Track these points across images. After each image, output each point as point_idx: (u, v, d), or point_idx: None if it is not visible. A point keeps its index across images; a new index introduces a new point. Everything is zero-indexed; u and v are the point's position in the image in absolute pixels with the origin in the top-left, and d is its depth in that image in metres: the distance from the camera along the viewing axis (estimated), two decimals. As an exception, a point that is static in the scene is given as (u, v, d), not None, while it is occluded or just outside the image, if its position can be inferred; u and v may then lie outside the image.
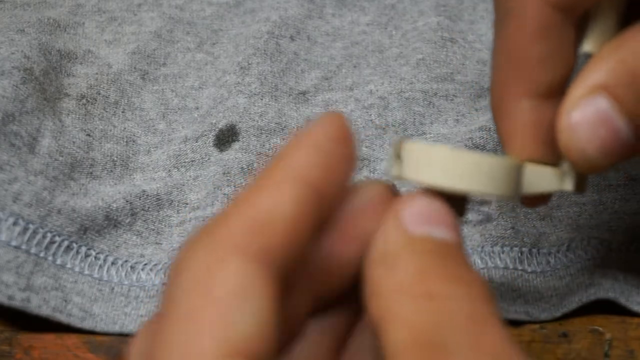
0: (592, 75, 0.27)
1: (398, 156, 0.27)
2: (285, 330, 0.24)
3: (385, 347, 0.22)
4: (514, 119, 0.30)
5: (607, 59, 0.27)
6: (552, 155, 0.30)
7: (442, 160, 0.26)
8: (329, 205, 0.24)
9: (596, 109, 0.27)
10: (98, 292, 0.37)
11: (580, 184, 0.30)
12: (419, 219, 0.24)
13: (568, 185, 0.30)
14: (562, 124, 0.27)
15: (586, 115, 0.27)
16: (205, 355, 0.20)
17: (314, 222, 0.23)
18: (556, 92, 0.29)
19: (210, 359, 0.20)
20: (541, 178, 0.30)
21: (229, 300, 0.20)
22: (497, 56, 0.30)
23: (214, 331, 0.20)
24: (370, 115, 0.44)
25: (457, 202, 0.27)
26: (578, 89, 0.27)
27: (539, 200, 0.32)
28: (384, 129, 0.43)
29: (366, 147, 0.42)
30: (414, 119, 0.43)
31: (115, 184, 0.41)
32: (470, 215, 0.38)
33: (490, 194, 0.26)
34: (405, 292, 0.22)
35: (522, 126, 0.30)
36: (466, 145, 0.41)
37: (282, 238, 0.22)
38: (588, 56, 0.30)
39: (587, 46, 0.30)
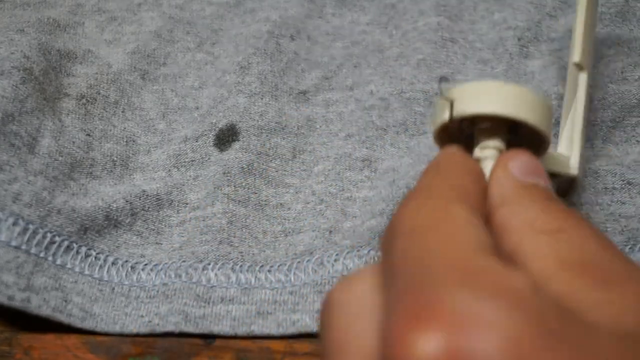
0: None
1: (447, 101, 0.31)
2: None
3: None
4: None
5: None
6: None
7: (497, 91, 0.30)
8: None
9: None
10: (98, 292, 0.37)
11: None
12: (526, 170, 0.28)
13: (573, 170, 0.36)
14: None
15: None
16: (466, 251, 0.24)
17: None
18: None
19: (469, 254, 0.23)
20: (553, 160, 0.35)
21: (465, 224, 0.25)
22: None
23: (462, 240, 0.24)
24: (371, 116, 0.44)
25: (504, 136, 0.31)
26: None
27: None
28: (384, 129, 0.43)
29: (367, 148, 0.42)
30: (415, 119, 0.43)
31: (115, 184, 0.41)
32: None
33: (535, 123, 0.30)
34: (537, 228, 0.26)
35: None
36: None
37: (481, 195, 0.28)
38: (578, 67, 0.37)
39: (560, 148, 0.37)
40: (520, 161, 0.29)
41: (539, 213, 0.26)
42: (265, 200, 0.41)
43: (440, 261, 0.23)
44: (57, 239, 0.37)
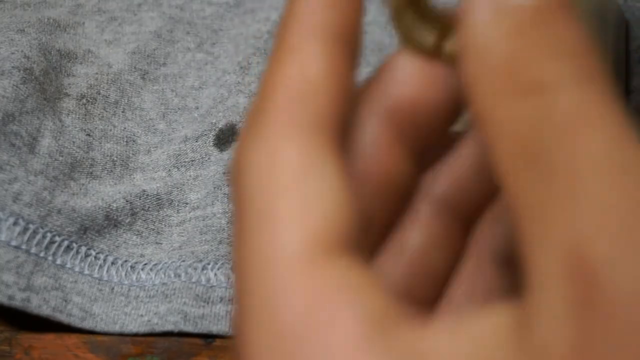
0: None
1: None
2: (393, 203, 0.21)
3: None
4: None
5: None
6: None
7: None
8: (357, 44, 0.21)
9: None
10: (98, 292, 0.37)
11: None
12: None
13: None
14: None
15: None
16: (291, 257, 0.17)
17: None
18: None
19: (297, 260, 0.17)
20: None
21: (297, 185, 0.18)
22: None
23: (289, 226, 0.17)
24: None
25: None
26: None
27: None
28: None
29: None
30: None
31: (115, 184, 0.41)
32: None
33: None
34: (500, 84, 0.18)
35: None
36: None
37: (328, 100, 0.19)
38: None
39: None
40: None
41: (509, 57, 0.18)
42: (264, 200, 0.41)
43: None
44: (57, 238, 0.37)
